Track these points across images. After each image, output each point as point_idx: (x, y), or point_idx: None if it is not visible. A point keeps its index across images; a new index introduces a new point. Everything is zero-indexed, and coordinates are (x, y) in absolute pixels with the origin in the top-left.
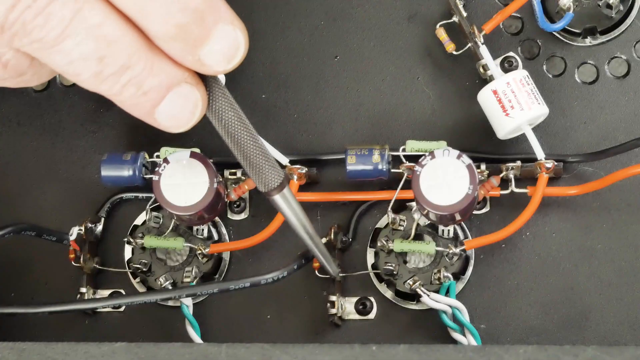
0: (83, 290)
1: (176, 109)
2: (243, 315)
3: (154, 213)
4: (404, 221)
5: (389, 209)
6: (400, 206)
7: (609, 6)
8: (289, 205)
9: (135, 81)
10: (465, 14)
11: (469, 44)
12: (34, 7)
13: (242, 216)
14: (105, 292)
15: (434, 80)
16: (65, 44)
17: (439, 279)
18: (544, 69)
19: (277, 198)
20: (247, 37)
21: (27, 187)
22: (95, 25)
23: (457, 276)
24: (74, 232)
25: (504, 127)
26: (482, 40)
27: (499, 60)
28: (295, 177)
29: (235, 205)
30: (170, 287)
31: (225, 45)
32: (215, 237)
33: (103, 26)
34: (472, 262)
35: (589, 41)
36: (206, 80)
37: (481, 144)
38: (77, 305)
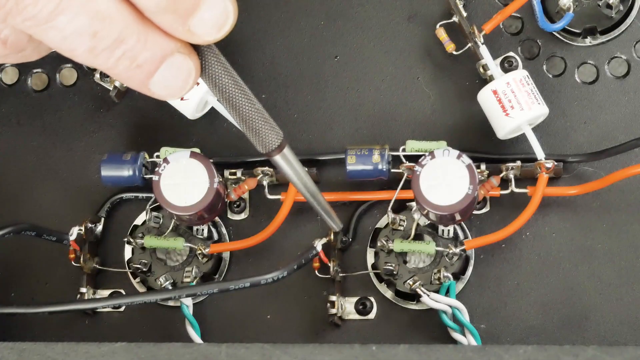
0: (83, 290)
1: (170, 78)
2: (243, 315)
3: (154, 213)
4: (404, 221)
5: (389, 209)
6: (400, 206)
7: (609, 6)
8: (289, 165)
9: (129, 54)
10: (465, 14)
11: (469, 44)
12: None
13: (242, 216)
14: (105, 292)
15: (434, 80)
16: (58, 21)
17: (439, 279)
18: (544, 69)
19: (278, 158)
20: (236, 6)
21: (27, 187)
22: (87, 0)
23: (457, 276)
24: (74, 232)
25: (504, 127)
26: (482, 40)
27: (499, 60)
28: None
29: (235, 205)
30: (170, 287)
31: (215, 14)
32: (215, 237)
33: (96, 1)
34: (472, 262)
35: (589, 41)
36: (199, 48)
37: (481, 144)
38: (77, 305)
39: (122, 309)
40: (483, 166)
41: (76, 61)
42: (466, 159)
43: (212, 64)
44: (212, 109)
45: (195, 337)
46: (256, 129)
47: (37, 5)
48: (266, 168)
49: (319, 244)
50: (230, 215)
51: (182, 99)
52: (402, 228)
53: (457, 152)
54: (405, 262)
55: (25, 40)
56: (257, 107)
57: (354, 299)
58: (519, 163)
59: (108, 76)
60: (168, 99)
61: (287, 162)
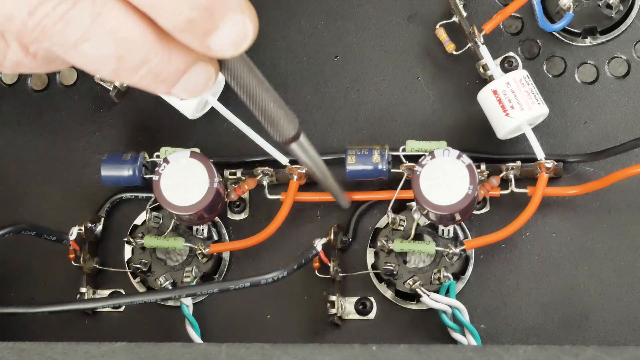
0: (83, 290)
1: (191, 85)
2: (243, 315)
3: (154, 213)
4: (404, 221)
5: (389, 209)
6: (400, 206)
7: (609, 6)
8: (305, 152)
9: (153, 72)
10: (465, 14)
11: (469, 44)
12: (52, 14)
13: (242, 216)
14: (105, 292)
15: (434, 80)
16: (84, 47)
17: (439, 279)
18: (544, 69)
19: (294, 146)
20: (256, 23)
21: (27, 187)
22: (113, 28)
23: (457, 276)
24: (74, 232)
25: (504, 127)
26: (482, 40)
27: (499, 60)
28: (295, 177)
29: (235, 205)
30: (170, 287)
31: (233, 33)
32: (215, 237)
33: (121, 28)
34: (472, 262)
35: (589, 41)
36: None
37: (481, 144)
38: (77, 305)
39: (122, 309)
40: (483, 166)
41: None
42: (466, 159)
43: (232, 60)
44: (212, 109)
45: (195, 337)
46: (273, 119)
47: (63, 34)
48: (266, 168)
49: (319, 244)
50: (230, 215)
51: (182, 98)
52: (402, 228)
53: (457, 152)
54: (405, 262)
55: (55, 55)
56: (275, 98)
57: (354, 299)
58: (519, 163)
59: None
60: (187, 99)
61: (303, 149)
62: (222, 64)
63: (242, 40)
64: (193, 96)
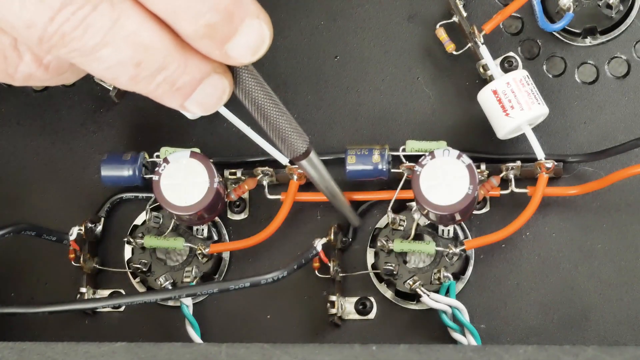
0: (83, 290)
1: (206, 97)
2: (243, 315)
3: (154, 213)
4: (404, 221)
5: (389, 209)
6: (400, 206)
7: (609, 6)
8: (315, 169)
9: (169, 80)
10: (465, 14)
11: (469, 44)
12: (72, 19)
13: (242, 216)
14: (105, 292)
15: (434, 80)
16: (102, 53)
17: (439, 279)
18: (544, 69)
19: (304, 163)
20: (271, 28)
21: (27, 187)
22: (132, 32)
23: (457, 276)
24: (74, 232)
25: (504, 127)
26: (482, 40)
27: (499, 60)
28: (295, 177)
29: (235, 205)
30: (170, 287)
31: (251, 39)
32: (215, 237)
33: (139, 33)
34: (472, 262)
35: (589, 41)
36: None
37: (481, 144)
38: (77, 305)
39: (122, 309)
40: (483, 166)
41: (117, 86)
42: (466, 159)
43: (244, 78)
44: None
45: (195, 337)
46: (285, 137)
47: (82, 39)
48: (266, 168)
49: (319, 244)
50: (230, 215)
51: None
52: (402, 228)
53: (457, 152)
54: (405, 262)
55: (67, 66)
56: (286, 116)
57: (354, 299)
58: (519, 163)
59: None
60: (200, 114)
61: (312, 166)
62: (236, 83)
63: (260, 45)
64: (206, 111)
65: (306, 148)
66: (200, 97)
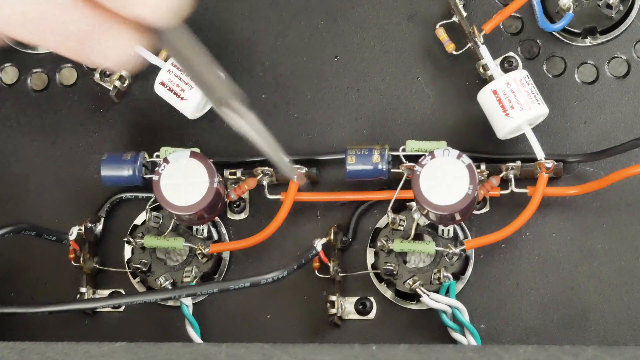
0: (83, 290)
1: (110, 50)
2: (243, 315)
3: (154, 213)
4: (403, 221)
5: (389, 209)
6: (400, 206)
7: (609, 6)
8: (242, 116)
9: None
10: (465, 14)
11: (469, 44)
12: None
13: (242, 216)
14: (105, 292)
15: (434, 80)
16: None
17: (438, 279)
18: (544, 69)
19: (231, 113)
20: None
21: (27, 187)
22: None
23: (457, 276)
24: (74, 232)
25: (504, 127)
26: (482, 40)
27: (499, 60)
28: (295, 177)
29: (235, 205)
30: (170, 287)
31: (160, 2)
32: (215, 237)
33: None
34: (472, 262)
35: (589, 41)
36: None
37: (481, 144)
38: (77, 305)
39: (122, 308)
40: (483, 166)
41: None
42: (466, 159)
43: (169, 39)
44: (212, 108)
45: (195, 337)
46: (208, 83)
47: None
48: (266, 168)
49: (319, 244)
50: (230, 215)
51: (182, 98)
52: (402, 228)
53: (457, 152)
54: (405, 262)
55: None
56: (212, 65)
57: (354, 299)
58: (519, 163)
59: (108, 76)
60: (108, 67)
61: (244, 117)
62: (158, 32)
63: (171, 8)
64: (113, 65)
65: (234, 95)
66: (104, 49)
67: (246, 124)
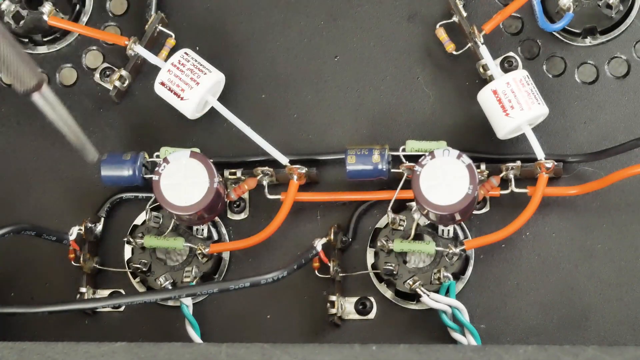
0: (83, 290)
1: None
2: (243, 315)
3: (154, 213)
4: (404, 221)
5: (389, 209)
6: (400, 206)
7: (609, 6)
8: (50, 105)
9: None
10: (465, 14)
11: (469, 44)
12: None
13: (242, 216)
14: (105, 292)
15: (434, 80)
16: None
17: (439, 279)
18: (544, 69)
19: (37, 98)
20: None
21: (27, 187)
22: None
23: (457, 276)
24: (74, 232)
25: (504, 127)
26: (482, 40)
27: (499, 60)
28: (295, 177)
29: (235, 205)
30: (170, 287)
31: None
32: (215, 237)
33: None
34: (472, 262)
35: (589, 41)
36: None
37: (481, 144)
38: (77, 305)
39: (122, 308)
40: (483, 166)
41: None
42: (466, 159)
43: None
44: (212, 109)
45: (195, 337)
46: (14, 70)
47: None
48: (266, 168)
49: (319, 244)
50: (230, 215)
51: (182, 98)
52: (402, 228)
53: (457, 152)
54: (405, 262)
55: None
56: (17, 52)
57: (354, 299)
58: (519, 163)
59: (108, 76)
60: None
61: (48, 103)
62: None
63: None
64: None
65: (38, 81)
66: None
67: (53, 110)
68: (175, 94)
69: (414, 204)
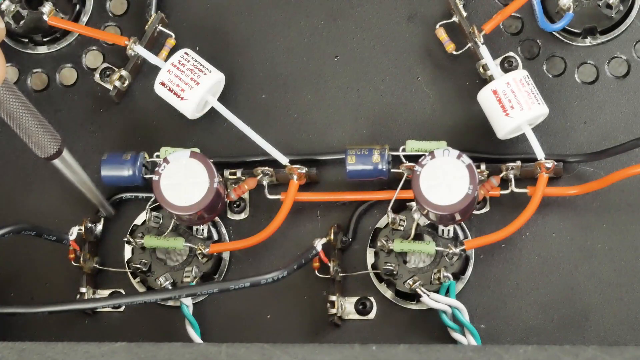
0: (83, 290)
1: None
2: (243, 315)
3: (154, 213)
4: (404, 221)
5: (389, 209)
6: (400, 206)
7: (609, 6)
8: (69, 168)
9: None
10: (465, 14)
11: (469, 44)
12: None
13: (242, 216)
14: (105, 292)
15: (434, 80)
16: None
17: (439, 279)
18: (544, 69)
19: (57, 162)
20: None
21: (27, 187)
22: None
23: (457, 276)
24: (74, 232)
25: (504, 127)
26: (482, 40)
27: (499, 60)
28: (295, 177)
29: (235, 205)
30: (170, 287)
31: None
32: (215, 237)
33: None
34: (472, 262)
35: (589, 41)
36: None
37: (481, 144)
38: (77, 305)
39: (122, 309)
40: (483, 166)
41: None
42: (466, 159)
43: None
44: (212, 109)
45: (195, 337)
46: (35, 138)
47: None
48: (266, 168)
49: (319, 244)
50: (230, 215)
51: (182, 98)
52: (402, 228)
53: (457, 152)
54: (405, 262)
55: None
56: (37, 119)
57: (354, 299)
58: (519, 163)
59: (108, 76)
60: None
61: (67, 166)
62: None
63: None
64: None
65: (58, 148)
66: None
67: (72, 173)
68: (175, 94)
69: (414, 204)
